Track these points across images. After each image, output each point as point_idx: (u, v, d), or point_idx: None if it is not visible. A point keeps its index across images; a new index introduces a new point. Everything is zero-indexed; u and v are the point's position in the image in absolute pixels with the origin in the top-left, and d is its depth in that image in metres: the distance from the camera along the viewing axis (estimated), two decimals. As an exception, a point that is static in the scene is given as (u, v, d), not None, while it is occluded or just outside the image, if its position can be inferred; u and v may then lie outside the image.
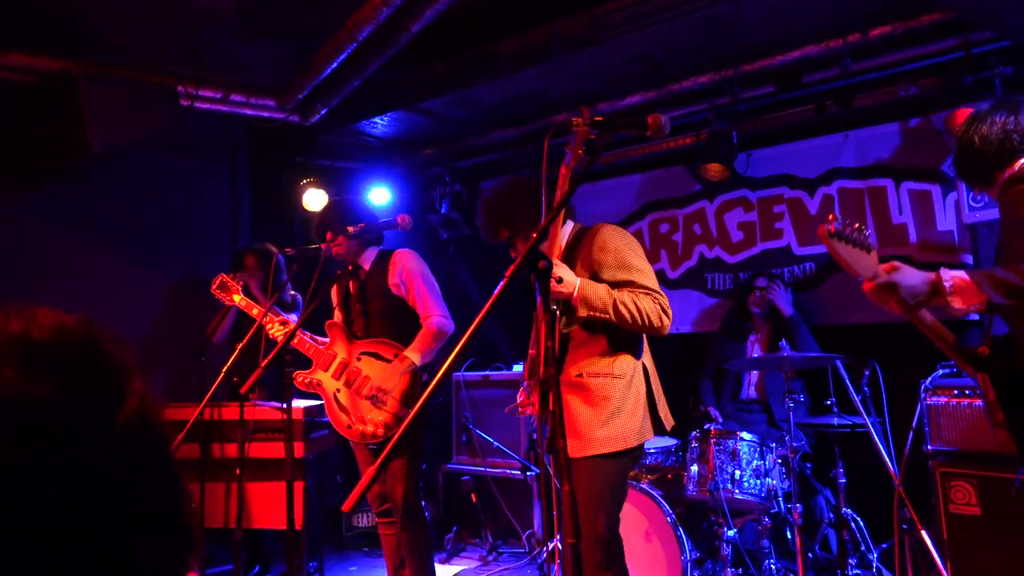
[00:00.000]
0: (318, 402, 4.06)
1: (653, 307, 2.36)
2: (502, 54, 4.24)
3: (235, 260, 4.42)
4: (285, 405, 2.51)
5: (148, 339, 4.66)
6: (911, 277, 1.73)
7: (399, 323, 3.21)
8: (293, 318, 4.10)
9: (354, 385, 3.15)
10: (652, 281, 2.44)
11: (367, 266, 3.30)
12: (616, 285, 2.39)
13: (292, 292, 4.34)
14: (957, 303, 1.74)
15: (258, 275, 4.23)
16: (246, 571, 4.21)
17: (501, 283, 1.67)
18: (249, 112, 4.64)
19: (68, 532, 0.50)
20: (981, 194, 2.14)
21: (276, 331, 3.27)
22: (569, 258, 2.50)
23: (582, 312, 2.34)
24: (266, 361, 2.46)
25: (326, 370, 3.22)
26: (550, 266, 1.67)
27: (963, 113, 3.65)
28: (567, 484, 1.59)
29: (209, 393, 2.81)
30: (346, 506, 1.42)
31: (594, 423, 2.39)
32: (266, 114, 4.69)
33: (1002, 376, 1.90)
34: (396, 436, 1.47)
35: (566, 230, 2.58)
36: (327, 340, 3.31)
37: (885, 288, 1.70)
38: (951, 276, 1.73)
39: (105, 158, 4.33)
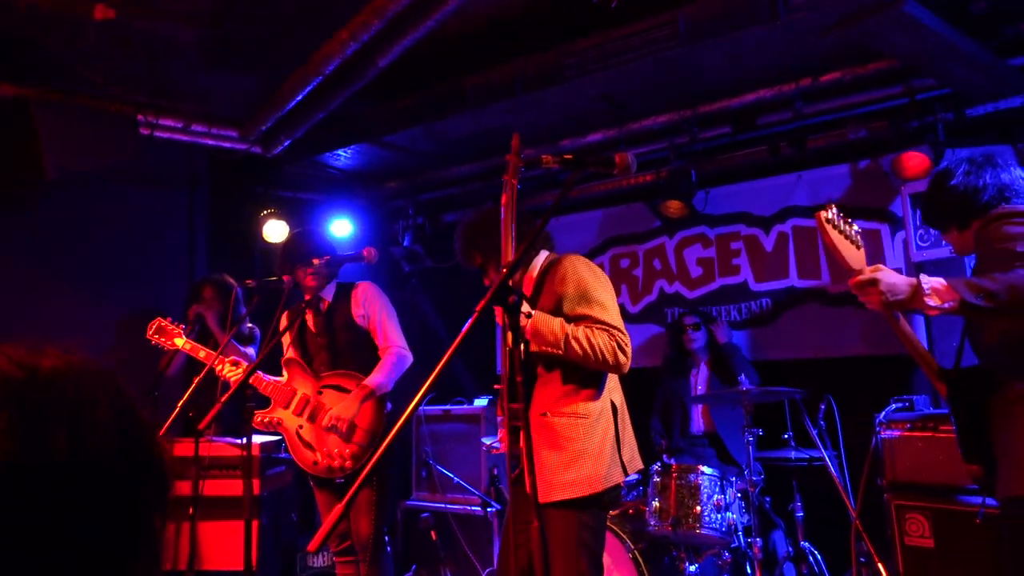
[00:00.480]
0: (275, 438, 3.97)
1: (608, 343, 2.26)
2: (468, 90, 4.29)
3: (192, 291, 4.31)
4: (244, 441, 2.44)
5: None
6: (893, 276, 1.86)
7: (364, 355, 3.21)
8: (251, 351, 4.01)
9: (318, 419, 3.11)
10: (612, 317, 2.35)
11: (329, 298, 3.28)
12: (574, 319, 2.32)
13: (250, 325, 4.24)
14: (933, 301, 1.85)
15: (216, 307, 4.13)
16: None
17: (471, 318, 1.67)
18: (210, 142, 4.59)
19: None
20: (945, 237, 2.28)
21: (228, 372, 3.20)
22: (538, 288, 2.48)
23: (533, 346, 2.30)
24: (226, 397, 2.40)
25: (286, 407, 3.16)
26: (520, 301, 1.68)
27: (909, 156, 3.83)
28: (536, 520, 1.59)
29: (163, 428, 2.73)
30: (312, 545, 1.38)
31: (557, 466, 2.29)
32: (228, 145, 4.65)
33: (968, 391, 2.02)
34: (366, 469, 1.45)
35: (539, 260, 2.56)
36: (279, 378, 3.25)
37: (869, 283, 1.81)
38: (929, 280, 1.85)
39: (60, 185, 4.23)
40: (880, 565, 2.61)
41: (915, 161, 3.82)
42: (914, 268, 4.10)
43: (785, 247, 4.58)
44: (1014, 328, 1.98)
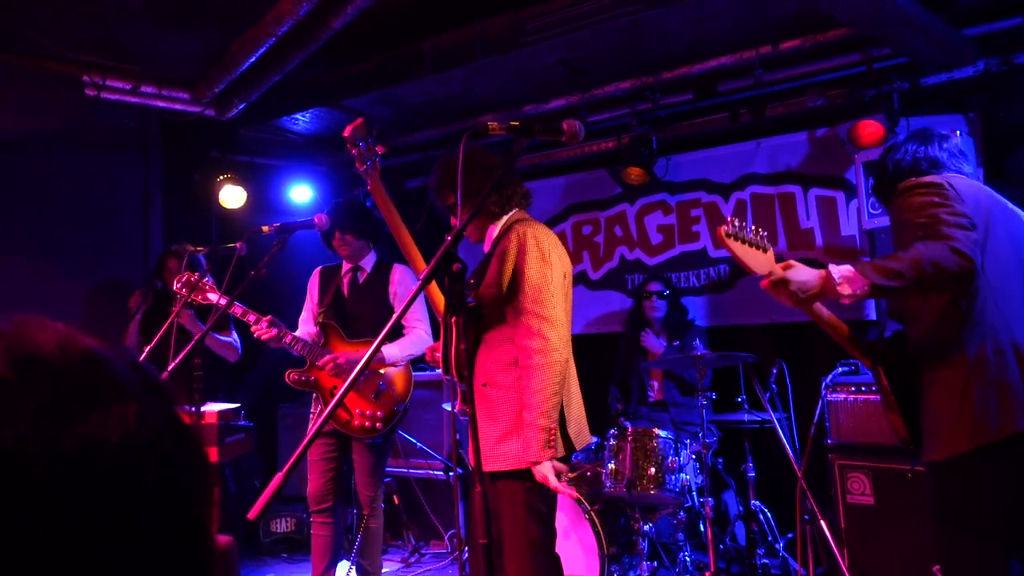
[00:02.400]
0: (233, 405, 3.95)
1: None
2: (426, 54, 4.21)
3: (157, 265, 4.24)
4: (193, 409, 2.42)
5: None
6: (803, 273, 1.87)
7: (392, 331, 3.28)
8: (231, 339, 3.97)
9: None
10: (559, 323, 2.23)
11: (368, 269, 3.46)
12: (513, 308, 2.26)
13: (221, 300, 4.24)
14: (845, 290, 1.87)
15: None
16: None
17: (419, 286, 1.67)
18: (162, 104, 4.46)
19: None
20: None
21: (264, 335, 3.20)
22: (490, 256, 2.40)
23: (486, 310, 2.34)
24: (172, 366, 2.37)
25: (322, 367, 3.25)
26: (464, 269, 1.68)
27: (864, 125, 3.87)
28: (479, 485, 1.61)
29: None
30: (252, 513, 1.38)
31: (492, 437, 2.28)
32: (180, 107, 4.52)
33: (894, 366, 2.05)
34: (309, 435, 1.45)
35: (507, 216, 2.44)
36: (311, 338, 3.34)
37: (778, 283, 1.83)
38: (838, 269, 1.86)
39: (3, 148, 4.09)
40: (822, 521, 2.70)
41: (870, 129, 3.87)
42: (867, 235, 4.18)
43: (743, 214, 4.63)
44: (926, 302, 2.03)
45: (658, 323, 4.39)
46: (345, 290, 3.45)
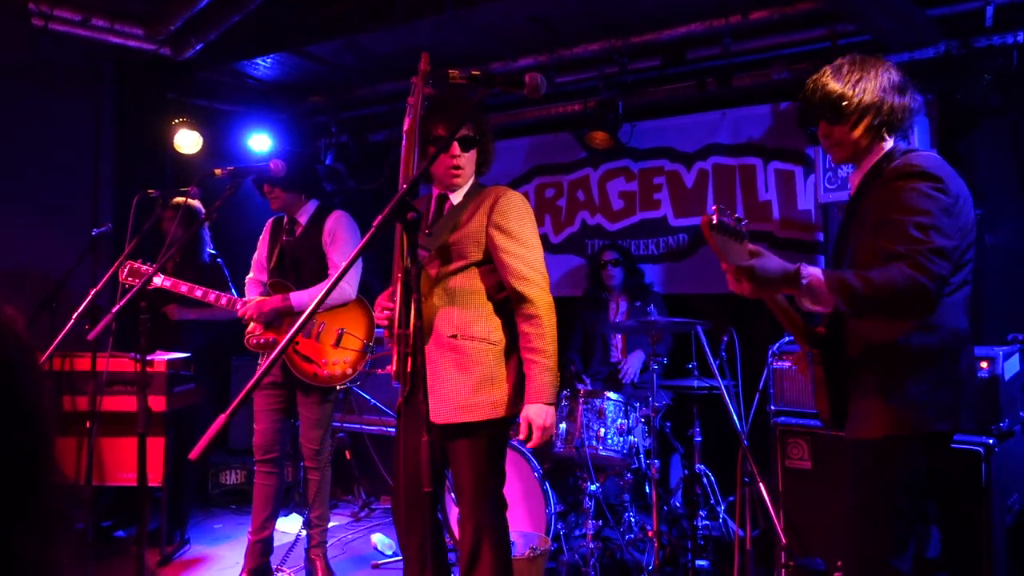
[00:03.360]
0: (183, 355, 3.89)
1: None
2: (395, 1, 4.11)
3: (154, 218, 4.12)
4: (138, 356, 2.37)
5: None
6: (770, 262, 1.73)
7: (326, 279, 3.27)
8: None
9: (313, 333, 3.25)
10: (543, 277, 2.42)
11: (303, 222, 3.39)
12: (501, 267, 2.36)
13: (212, 251, 4.25)
14: (806, 302, 1.79)
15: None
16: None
17: (369, 233, 1.65)
18: (114, 39, 4.27)
19: None
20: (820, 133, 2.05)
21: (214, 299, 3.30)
22: (462, 208, 2.41)
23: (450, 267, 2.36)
24: (117, 308, 2.31)
25: (279, 329, 3.25)
26: (419, 217, 1.66)
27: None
28: (426, 435, 1.62)
29: (57, 340, 2.62)
30: (193, 454, 1.37)
31: (465, 389, 2.30)
32: (134, 44, 4.34)
33: (828, 351, 2.00)
34: (259, 372, 1.43)
35: (467, 184, 2.48)
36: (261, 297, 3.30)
37: (742, 271, 1.70)
38: (809, 273, 1.73)
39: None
40: (761, 484, 2.79)
41: (832, 105, 3.91)
42: (821, 210, 4.26)
43: (704, 184, 4.67)
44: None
45: (616, 289, 4.44)
46: (284, 245, 3.39)
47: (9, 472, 0.54)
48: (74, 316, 2.65)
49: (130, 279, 3.23)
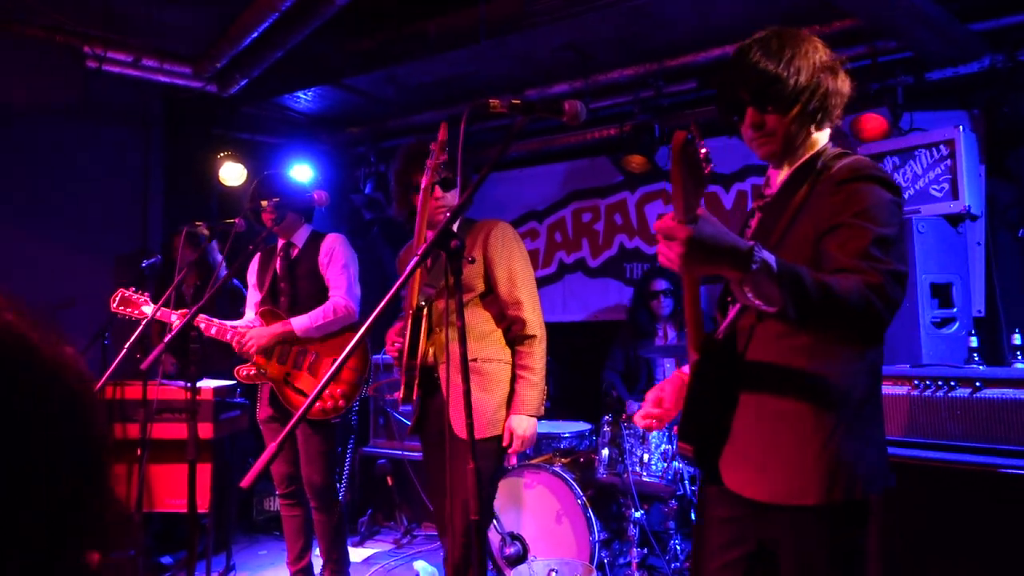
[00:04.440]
0: (229, 382, 3.96)
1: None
2: (431, 34, 4.19)
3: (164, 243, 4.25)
4: (190, 384, 2.43)
5: (47, 313, 4.41)
6: (719, 229, 1.29)
7: (325, 301, 3.21)
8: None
9: (304, 364, 3.16)
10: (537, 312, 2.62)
11: (299, 245, 3.29)
12: (495, 300, 2.57)
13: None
14: (748, 293, 1.33)
15: (188, 256, 4.10)
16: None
17: (414, 261, 1.67)
18: (163, 79, 4.44)
19: None
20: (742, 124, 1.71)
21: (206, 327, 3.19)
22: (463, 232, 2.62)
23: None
24: (168, 338, 2.37)
25: (268, 358, 3.16)
26: (463, 246, 1.68)
27: (867, 118, 3.86)
28: (472, 462, 1.61)
29: (111, 368, 2.69)
30: (245, 482, 1.39)
31: (489, 406, 2.52)
32: (182, 82, 4.50)
33: (714, 367, 1.61)
34: (300, 411, 1.45)
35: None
36: (252, 326, 3.22)
37: (682, 230, 1.26)
38: (763, 257, 1.29)
39: (4, 120, 4.06)
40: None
41: (873, 123, 3.85)
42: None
43: (743, 205, 4.63)
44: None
45: (665, 319, 4.38)
46: (279, 269, 3.28)
47: (72, 494, 0.58)
48: (126, 346, 2.73)
49: (120, 308, 3.17)
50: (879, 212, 1.48)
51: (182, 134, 5.02)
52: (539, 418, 2.59)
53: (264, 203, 2.76)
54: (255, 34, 3.89)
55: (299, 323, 3.11)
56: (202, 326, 3.14)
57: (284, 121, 5.49)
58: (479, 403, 2.47)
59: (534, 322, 2.57)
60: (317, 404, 3.09)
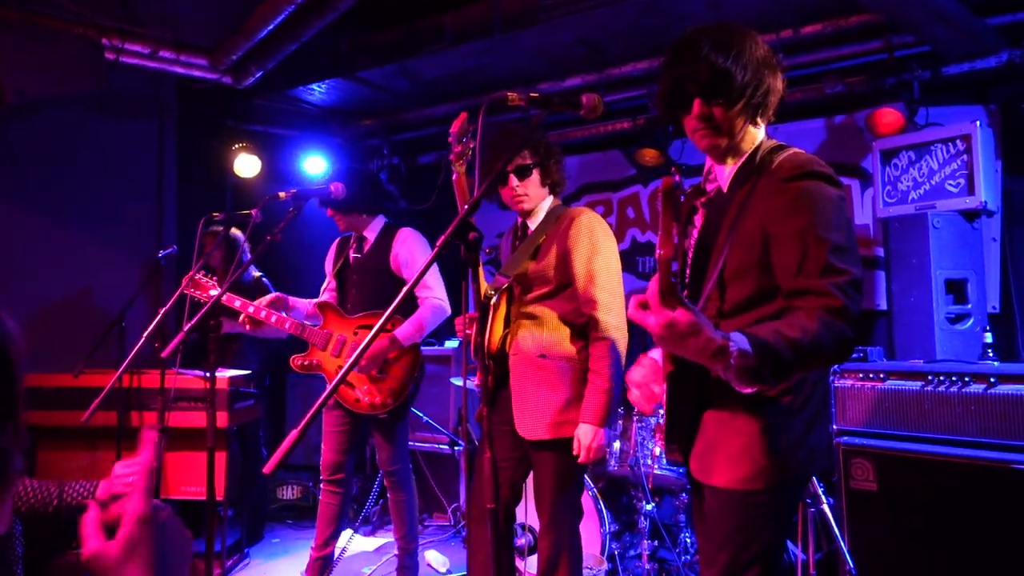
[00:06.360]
0: (244, 372, 4.00)
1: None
2: (445, 27, 4.20)
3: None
4: (208, 373, 2.45)
5: (64, 302, 4.47)
6: (701, 321, 1.28)
7: (393, 298, 3.20)
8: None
9: None
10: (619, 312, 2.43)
11: (372, 238, 3.36)
12: (571, 297, 2.43)
13: (257, 274, 4.34)
14: (734, 382, 1.36)
15: (219, 253, 4.18)
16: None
17: (433, 252, 1.68)
18: (179, 70, 4.47)
19: None
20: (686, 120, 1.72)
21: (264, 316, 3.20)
22: (539, 234, 2.52)
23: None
24: (188, 326, 2.40)
25: (324, 349, 3.23)
26: (481, 238, 1.69)
27: (883, 113, 3.84)
28: (488, 451, 1.63)
29: (128, 359, 2.73)
30: (267, 468, 1.41)
31: (553, 406, 2.39)
32: (197, 73, 4.53)
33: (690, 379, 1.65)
34: (317, 403, 1.47)
35: (544, 205, 2.58)
36: (314, 320, 3.30)
37: (654, 311, 1.31)
38: (737, 350, 1.30)
39: (21, 110, 4.11)
40: (824, 506, 2.72)
41: (889, 118, 3.83)
42: (880, 224, 4.16)
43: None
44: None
45: None
46: (351, 260, 3.36)
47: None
48: (144, 335, 2.76)
49: (191, 290, 3.22)
50: (830, 216, 1.49)
51: (196, 125, 5.05)
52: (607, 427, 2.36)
53: (281, 194, 2.78)
54: (271, 26, 3.91)
55: (403, 332, 3.15)
56: (273, 319, 3.15)
57: (298, 113, 5.52)
58: (544, 401, 2.39)
59: (609, 323, 2.37)
60: (366, 399, 3.18)
